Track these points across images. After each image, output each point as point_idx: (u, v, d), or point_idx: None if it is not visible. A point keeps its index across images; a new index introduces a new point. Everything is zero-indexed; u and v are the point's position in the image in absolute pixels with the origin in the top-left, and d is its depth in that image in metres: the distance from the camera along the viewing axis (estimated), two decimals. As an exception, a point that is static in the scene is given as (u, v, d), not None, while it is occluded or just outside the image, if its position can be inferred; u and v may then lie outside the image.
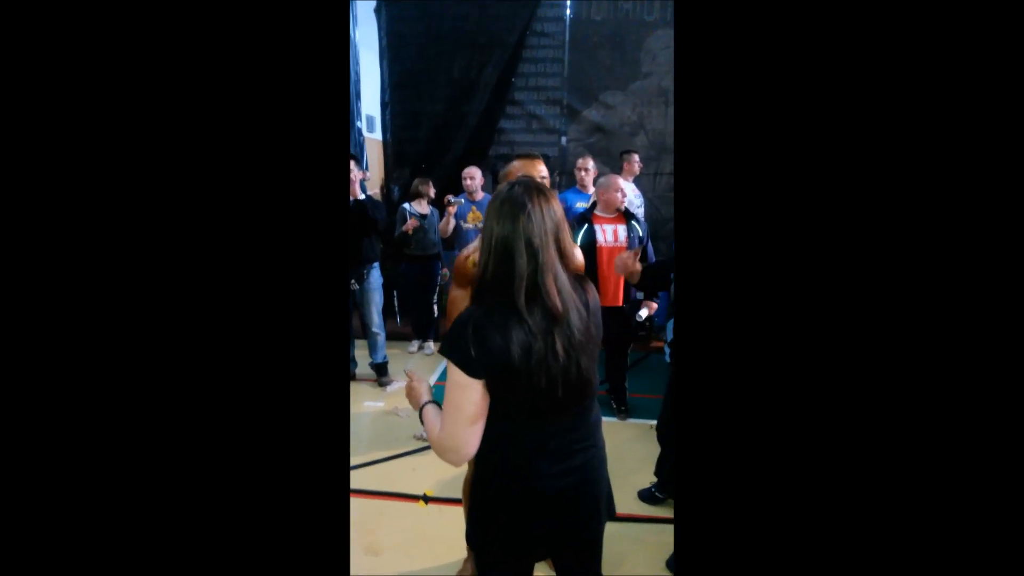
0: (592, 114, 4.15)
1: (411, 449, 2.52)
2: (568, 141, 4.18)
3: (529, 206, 0.86)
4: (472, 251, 1.33)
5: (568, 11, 4.01)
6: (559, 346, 0.84)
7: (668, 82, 4.05)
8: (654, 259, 2.68)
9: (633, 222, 2.61)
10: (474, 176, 3.34)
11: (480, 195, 3.37)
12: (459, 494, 2.17)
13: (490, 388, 0.85)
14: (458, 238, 3.36)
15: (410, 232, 3.34)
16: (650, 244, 2.68)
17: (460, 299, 1.33)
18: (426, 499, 2.14)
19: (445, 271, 3.74)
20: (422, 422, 0.98)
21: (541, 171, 1.34)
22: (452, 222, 3.26)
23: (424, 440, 2.58)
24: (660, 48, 3.99)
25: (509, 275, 0.84)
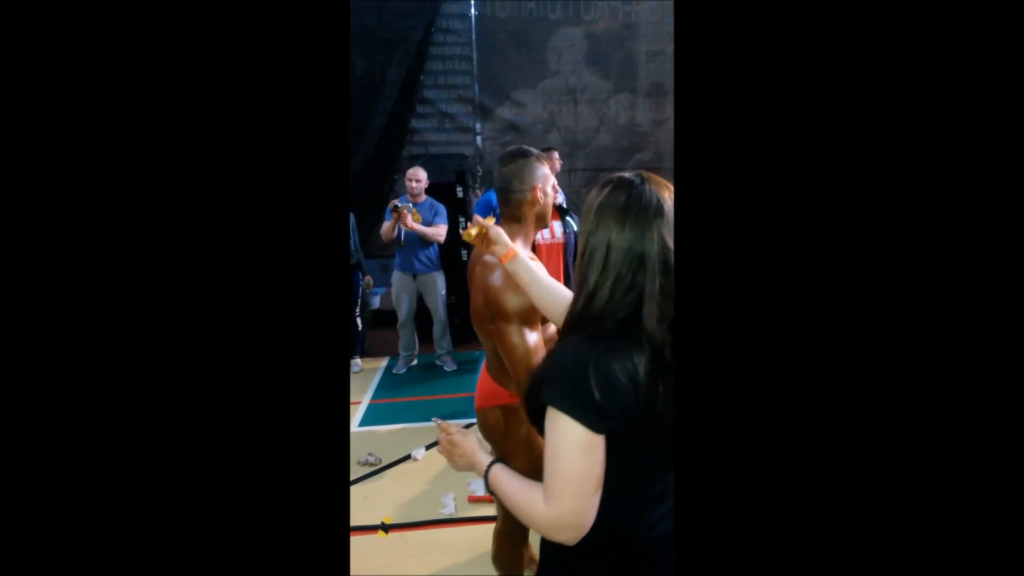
0: (505, 112, 4.13)
1: (356, 477, 2.31)
2: (483, 139, 4.12)
3: (665, 208, 0.69)
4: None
5: (473, 9, 3.96)
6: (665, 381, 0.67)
7: (575, 80, 4.16)
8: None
9: (568, 217, 2.62)
10: (420, 178, 3.15)
11: (423, 197, 3.19)
12: (420, 516, 2.02)
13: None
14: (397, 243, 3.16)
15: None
16: (584, 238, 2.72)
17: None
18: (386, 528, 1.96)
19: (369, 279, 3.51)
20: (488, 488, 0.77)
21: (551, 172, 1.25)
22: (399, 228, 3.05)
23: (372, 465, 2.39)
24: (566, 47, 4.09)
25: (635, 298, 0.67)
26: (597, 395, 0.64)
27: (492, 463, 0.78)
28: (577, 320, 0.70)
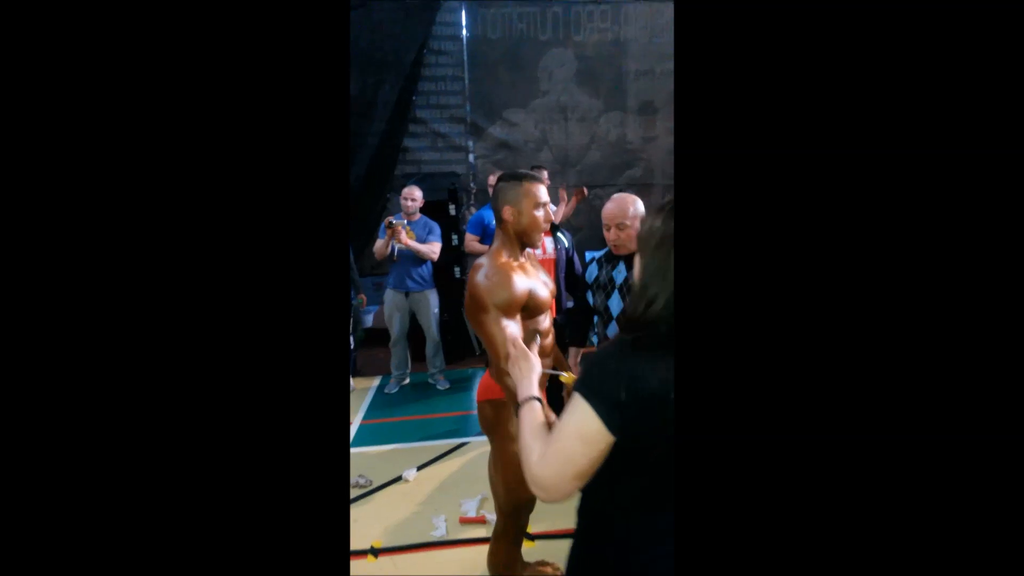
0: (496, 131, 4.17)
1: (348, 499, 2.27)
2: (476, 158, 4.15)
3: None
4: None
5: (464, 30, 4.02)
6: None
7: (566, 99, 4.21)
8: (580, 270, 2.72)
9: (559, 234, 2.63)
10: (415, 197, 3.17)
11: (417, 216, 3.20)
12: (410, 539, 1.98)
13: (625, 441, 0.69)
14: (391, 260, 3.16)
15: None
16: (575, 254, 2.72)
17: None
18: (375, 552, 1.92)
19: (362, 297, 3.50)
20: (515, 412, 0.80)
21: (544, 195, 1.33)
22: (392, 244, 3.05)
23: (362, 487, 2.34)
24: (556, 66, 4.15)
25: (669, 302, 0.69)
26: (623, 396, 0.67)
27: (531, 398, 0.81)
28: (632, 324, 0.73)
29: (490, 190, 3.29)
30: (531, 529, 2.00)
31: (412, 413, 3.17)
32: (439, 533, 2.01)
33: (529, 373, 0.87)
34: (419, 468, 2.47)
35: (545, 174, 3.61)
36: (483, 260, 1.31)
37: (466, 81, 4.07)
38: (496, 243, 1.35)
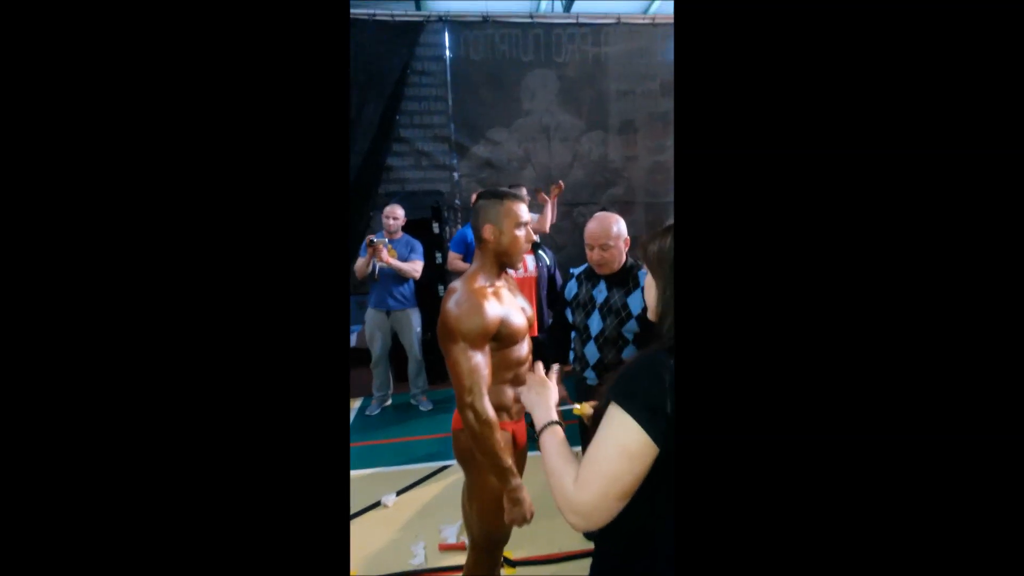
0: (480, 150, 4.19)
1: (324, 526, 2.19)
2: (460, 177, 4.16)
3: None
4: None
5: (448, 51, 4.06)
6: None
7: (548, 119, 4.25)
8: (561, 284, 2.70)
9: (540, 251, 2.62)
10: (397, 216, 3.16)
11: (399, 235, 3.18)
12: (388, 568, 1.91)
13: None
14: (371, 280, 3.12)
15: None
16: (557, 272, 2.71)
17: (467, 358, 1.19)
18: (351, 583, 1.85)
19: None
20: (538, 443, 0.77)
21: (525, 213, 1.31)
22: (373, 263, 3.02)
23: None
24: (538, 87, 4.19)
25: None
26: (668, 407, 0.63)
27: (552, 423, 0.79)
28: (657, 331, 0.72)
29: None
30: (511, 555, 1.94)
31: (394, 436, 3.10)
32: (418, 561, 1.95)
33: (546, 398, 0.84)
34: (398, 493, 2.41)
35: (524, 191, 3.63)
36: (457, 284, 1.27)
37: (449, 101, 4.10)
38: (475, 264, 1.30)
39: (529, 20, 4.10)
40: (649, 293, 0.77)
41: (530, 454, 1.65)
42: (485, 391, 1.17)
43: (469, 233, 3.25)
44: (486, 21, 4.04)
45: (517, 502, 1.22)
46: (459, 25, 4.03)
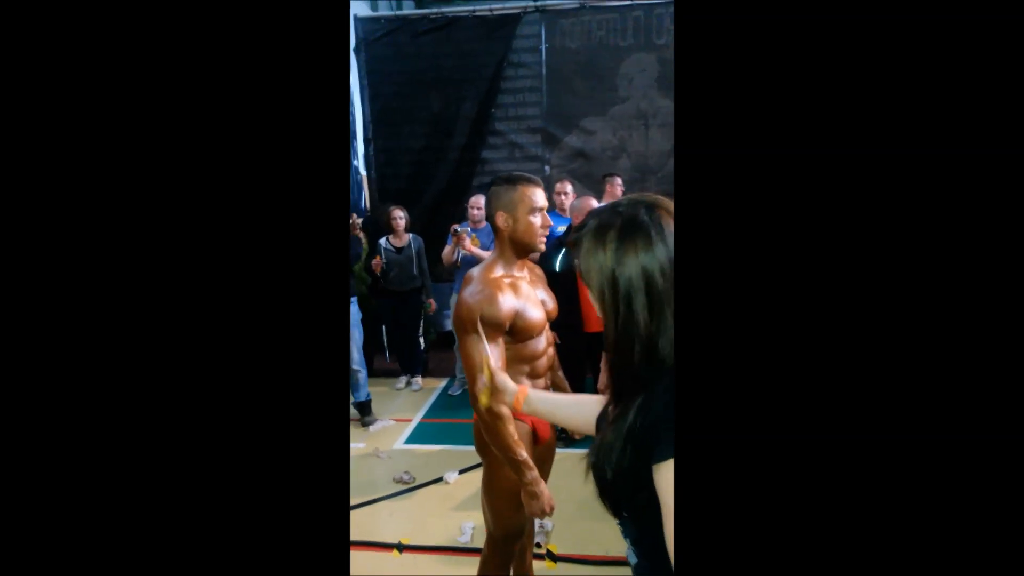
0: (572, 140, 4.14)
1: (389, 493, 2.39)
2: (551, 168, 4.16)
3: (653, 233, 0.64)
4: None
5: (543, 42, 4.06)
6: None
7: (646, 105, 4.06)
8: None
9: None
10: (481, 206, 3.31)
11: (483, 224, 3.32)
12: (435, 540, 2.03)
13: None
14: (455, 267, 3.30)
15: (377, 272, 3.32)
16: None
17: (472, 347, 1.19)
18: (400, 548, 2.00)
19: (431, 303, 3.67)
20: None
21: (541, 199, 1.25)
22: (457, 251, 3.20)
23: (405, 484, 2.46)
24: (636, 72, 4.02)
25: (629, 335, 0.64)
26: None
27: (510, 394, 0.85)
28: (637, 376, 0.65)
29: (560, 198, 3.29)
30: (556, 549, 1.95)
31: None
32: (464, 539, 2.04)
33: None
34: (461, 472, 2.53)
35: (618, 181, 3.51)
36: (474, 272, 1.26)
37: (544, 92, 4.10)
38: (493, 253, 1.28)
39: (628, 3, 3.93)
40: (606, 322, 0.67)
41: (561, 451, 1.64)
42: None
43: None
44: (583, 8, 3.96)
45: (534, 495, 1.22)
46: (555, 14, 4.01)
